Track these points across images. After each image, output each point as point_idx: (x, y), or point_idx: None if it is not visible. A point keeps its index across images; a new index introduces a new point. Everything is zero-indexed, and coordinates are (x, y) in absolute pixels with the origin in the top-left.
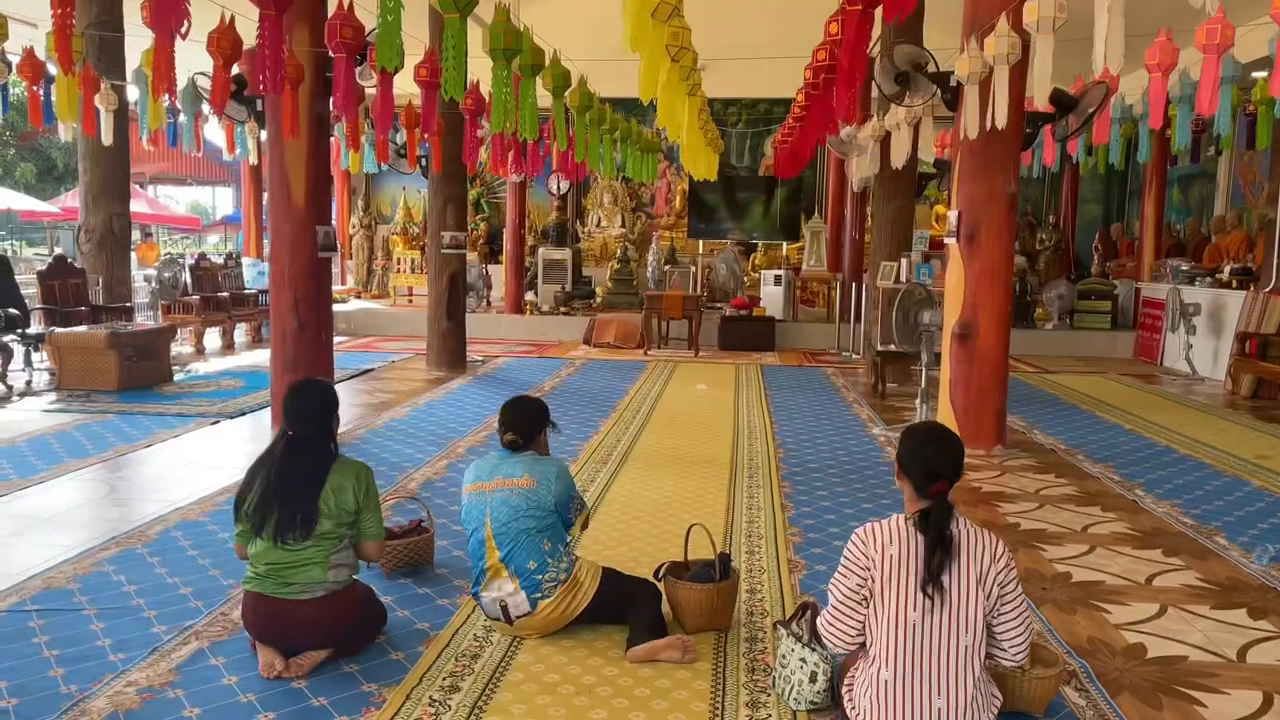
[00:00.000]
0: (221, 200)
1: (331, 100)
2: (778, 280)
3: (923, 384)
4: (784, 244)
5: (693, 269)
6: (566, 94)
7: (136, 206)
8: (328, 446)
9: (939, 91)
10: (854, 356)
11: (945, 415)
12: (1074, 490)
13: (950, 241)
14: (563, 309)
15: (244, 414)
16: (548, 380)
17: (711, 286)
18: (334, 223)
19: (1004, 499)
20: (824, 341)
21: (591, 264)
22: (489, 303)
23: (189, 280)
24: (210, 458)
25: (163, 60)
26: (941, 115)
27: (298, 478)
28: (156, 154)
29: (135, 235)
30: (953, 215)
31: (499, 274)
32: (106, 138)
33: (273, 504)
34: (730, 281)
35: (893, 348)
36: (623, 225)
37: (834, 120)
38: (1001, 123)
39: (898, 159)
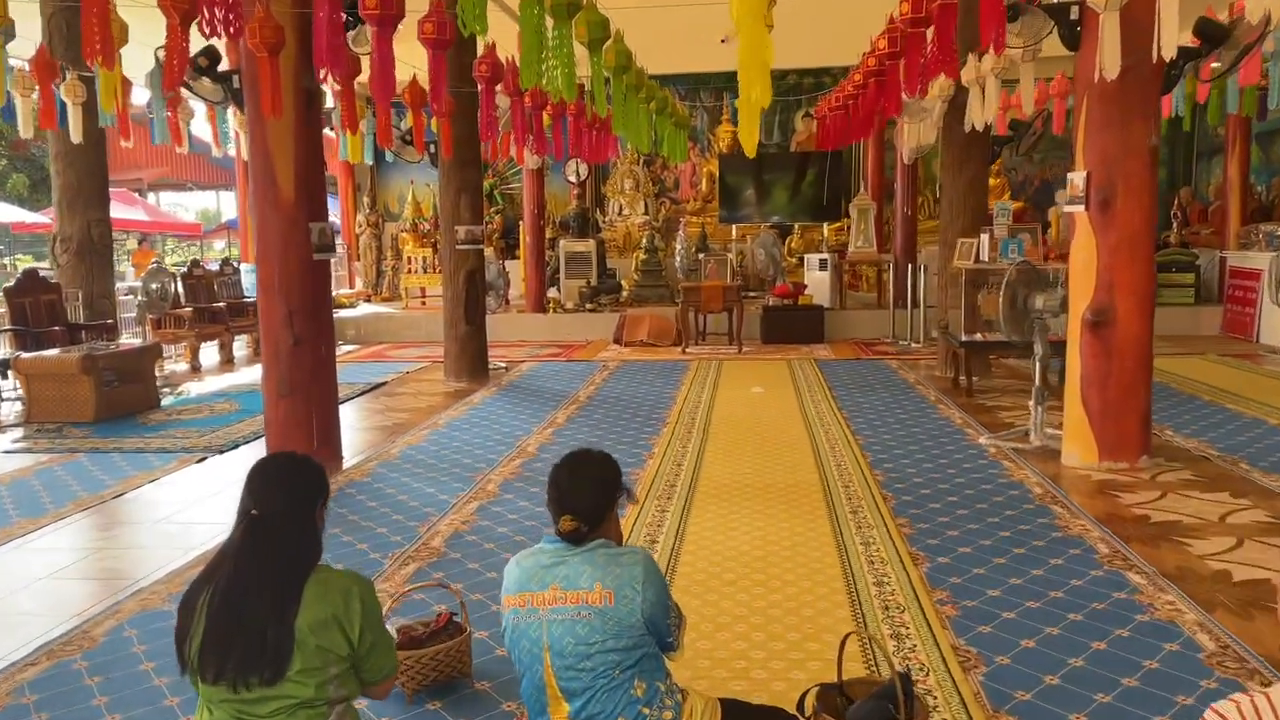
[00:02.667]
0: (226, 205)
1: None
2: (823, 264)
3: (1036, 381)
4: (824, 225)
5: (730, 256)
6: (604, 48)
7: (134, 214)
8: (310, 538)
9: (1055, 28)
10: (913, 345)
11: (1075, 421)
12: (1266, 515)
13: (1076, 209)
14: (588, 305)
15: (235, 447)
16: (581, 388)
17: (747, 274)
18: (338, 220)
19: (1187, 533)
20: (876, 330)
21: (615, 255)
22: (508, 302)
23: (181, 290)
24: (191, 509)
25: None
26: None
27: (264, 585)
28: (156, 159)
29: (131, 242)
30: (1078, 177)
31: (517, 270)
32: (75, 134)
33: (228, 632)
34: (770, 268)
35: (979, 337)
36: (646, 212)
37: (916, 80)
38: (1171, 53)
39: (978, 118)
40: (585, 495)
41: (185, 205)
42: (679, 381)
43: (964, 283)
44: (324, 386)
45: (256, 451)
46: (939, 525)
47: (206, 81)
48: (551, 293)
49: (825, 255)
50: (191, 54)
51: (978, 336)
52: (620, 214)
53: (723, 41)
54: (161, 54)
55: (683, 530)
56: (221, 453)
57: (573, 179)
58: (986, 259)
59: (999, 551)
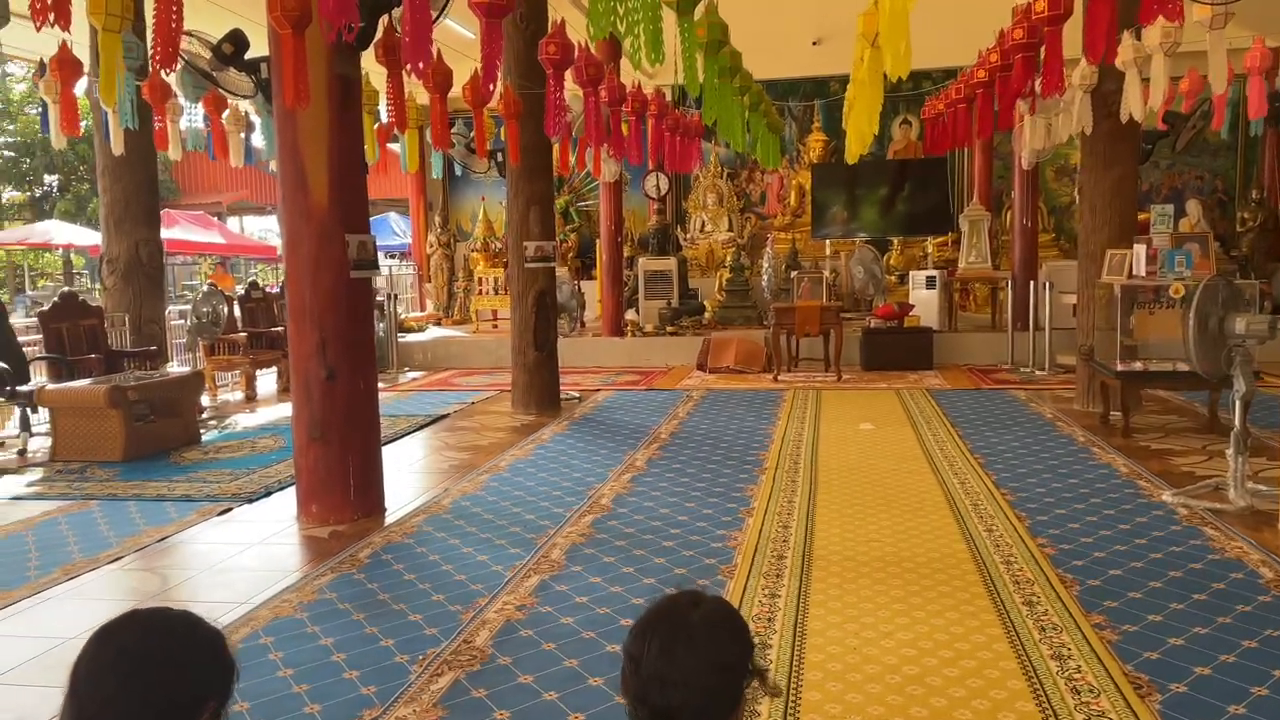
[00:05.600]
0: None
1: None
2: (930, 282)
3: (1236, 424)
4: (927, 239)
5: (825, 275)
6: (696, 11)
7: (210, 237)
8: None
9: None
10: (1037, 373)
11: None
12: None
13: None
14: (669, 328)
15: (268, 494)
16: (662, 423)
17: (842, 294)
18: (408, 240)
19: None
20: (992, 355)
21: (697, 274)
22: (583, 324)
23: (239, 314)
24: (198, 583)
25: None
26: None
27: None
28: (234, 182)
29: (207, 264)
30: None
31: (593, 290)
32: (116, 146)
33: None
34: (870, 287)
35: (1138, 367)
36: (730, 228)
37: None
38: None
39: (1137, 108)
40: (689, 691)
41: (273, 230)
42: (774, 415)
43: (1119, 301)
44: (363, 428)
45: (286, 504)
46: (1151, 628)
47: (232, 72)
48: (629, 315)
49: (933, 272)
50: (196, 39)
51: (1136, 366)
52: (703, 230)
53: (815, 44)
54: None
55: (801, 626)
56: (251, 501)
57: (652, 194)
58: (1143, 273)
59: (1223, 645)
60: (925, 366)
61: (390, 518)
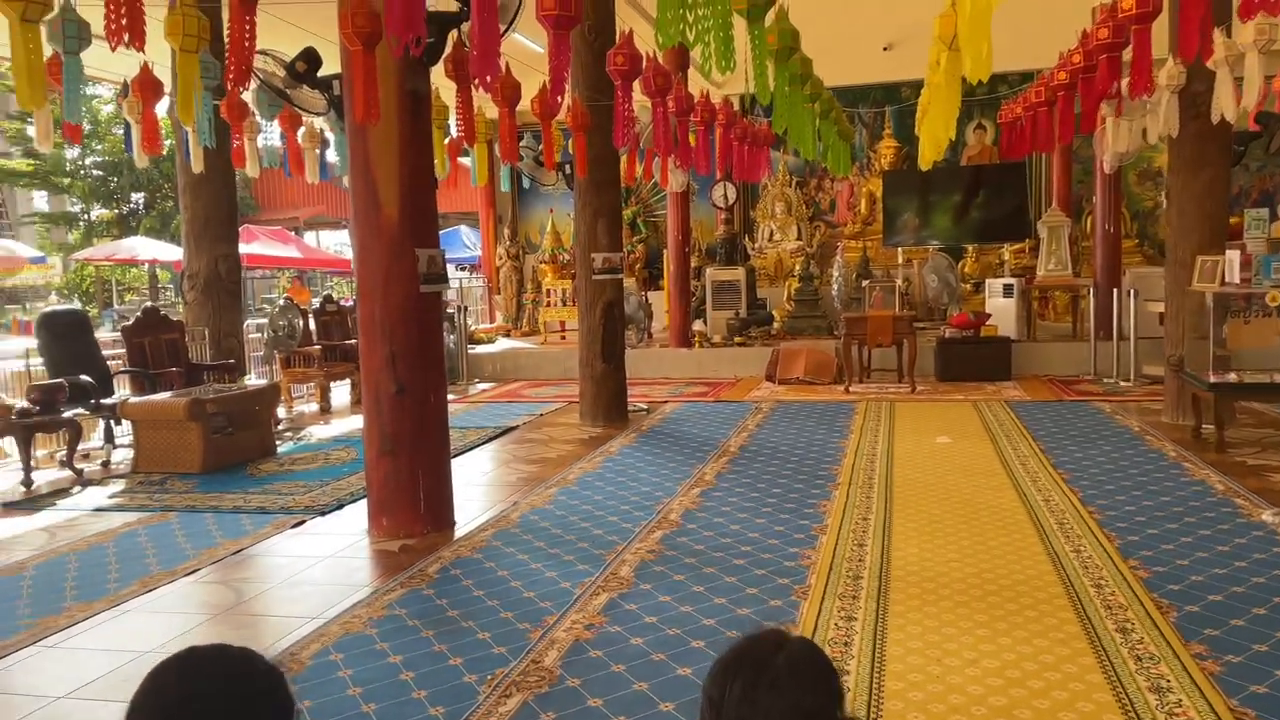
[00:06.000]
0: None
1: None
2: (1007, 290)
3: None
4: (1004, 246)
5: (898, 283)
6: (767, 18)
7: (287, 251)
8: None
9: None
10: (1121, 384)
11: None
12: None
13: None
14: (737, 339)
15: (340, 506)
16: (732, 434)
17: (915, 303)
18: (478, 253)
19: None
20: (1073, 365)
21: (765, 284)
22: (650, 335)
23: (314, 327)
24: (271, 596)
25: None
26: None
27: None
28: (311, 197)
29: (285, 278)
30: None
31: (660, 301)
32: (196, 164)
33: None
34: (944, 295)
35: (1232, 378)
36: (799, 237)
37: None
38: None
39: (1229, 108)
40: None
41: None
42: (845, 427)
43: (1213, 310)
44: (432, 442)
45: (358, 516)
46: (1257, 658)
47: (306, 89)
48: (697, 325)
49: (1010, 280)
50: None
51: (1231, 377)
52: (771, 240)
53: (885, 49)
54: (257, 57)
55: (880, 652)
56: (324, 514)
57: (720, 203)
58: (1236, 280)
59: None
60: (1003, 377)
61: (459, 531)
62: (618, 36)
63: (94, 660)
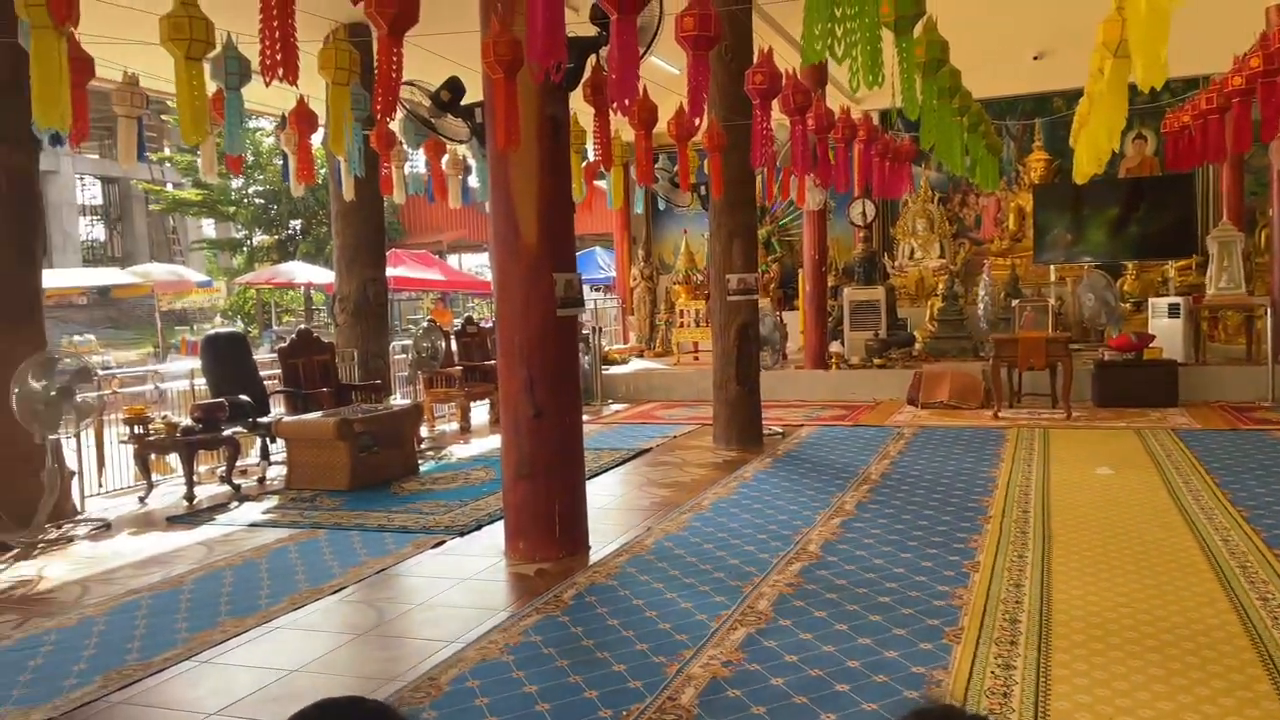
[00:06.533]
0: None
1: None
2: (1173, 310)
3: None
4: (1168, 263)
5: (1050, 302)
6: (915, 30)
7: (431, 274)
8: None
9: None
10: None
11: None
12: None
13: None
14: (876, 360)
15: (478, 527)
16: (871, 462)
17: (1069, 323)
18: (613, 274)
19: None
20: (1248, 390)
21: (906, 303)
22: (785, 356)
23: (455, 348)
24: (410, 619)
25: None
26: None
27: None
28: (454, 222)
29: (429, 300)
30: None
31: (795, 321)
32: (347, 192)
33: None
34: (1102, 315)
35: None
36: (942, 254)
37: None
38: None
39: None
40: None
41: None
42: (995, 455)
43: None
44: (568, 466)
45: (495, 537)
46: None
47: (449, 118)
48: (834, 346)
49: (1176, 299)
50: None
51: None
52: (912, 258)
53: (1036, 58)
54: (404, 88)
55: (1043, 706)
56: (463, 534)
57: (858, 221)
58: None
59: None
60: (1169, 404)
61: (594, 556)
62: (755, 56)
63: (244, 677)
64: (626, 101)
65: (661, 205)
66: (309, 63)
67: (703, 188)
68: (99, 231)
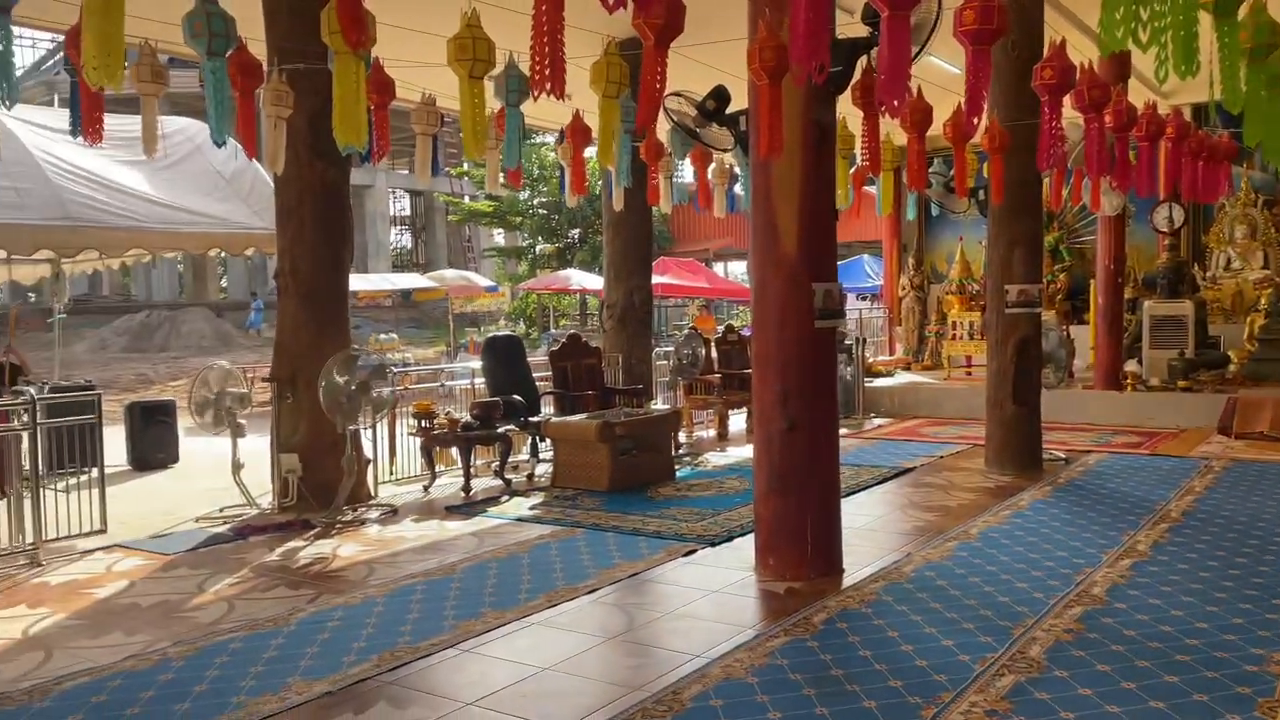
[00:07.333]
0: None
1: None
2: None
3: None
4: None
5: None
6: (1240, 11)
7: (696, 282)
8: None
9: None
10: None
11: None
12: None
13: None
14: (1181, 383)
15: (730, 538)
16: (1173, 496)
17: None
18: (880, 282)
19: None
20: None
21: (1219, 319)
22: (1071, 374)
23: (715, 356)
24: (659, 627)
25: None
26: None
27: None
28: (721, 230)
29: (694, 306)
30: None
31: (1084, 336)
32: (617, 202)
33: None
34: None
35: None
36: (1266, 265)
37: None
38: None
39: None
40: None
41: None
42: None
43: None
44: (822, 482)
45: (745, 550)
46: None
47: (714, 127)
48: (1129, 365)
49: None
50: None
51: None
52: (1228, 268)
53: None
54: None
55: None
56: (714, 544)
57: (1163, 227)
58: None
59: None
60: None
61: (847, 579)
62: (1046, 46)
63: (500, 670)
64: (895, 103)
65: (935, 211)
66: (583, 77)
67: (981, 192)
68: (406, 240)
